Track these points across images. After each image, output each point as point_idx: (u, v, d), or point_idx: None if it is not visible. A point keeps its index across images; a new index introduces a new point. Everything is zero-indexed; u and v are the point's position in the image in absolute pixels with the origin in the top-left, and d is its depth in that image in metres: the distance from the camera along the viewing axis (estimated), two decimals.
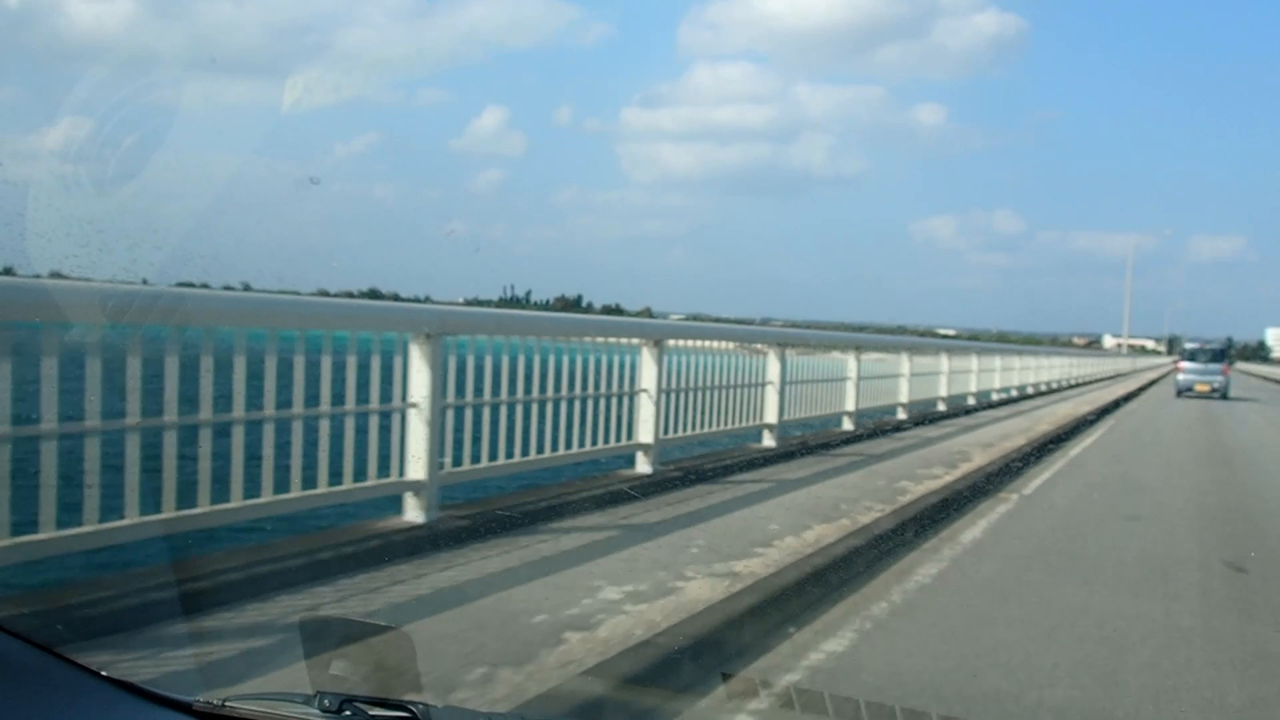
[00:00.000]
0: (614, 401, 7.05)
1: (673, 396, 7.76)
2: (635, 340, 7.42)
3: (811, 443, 10.07)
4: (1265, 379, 53.26)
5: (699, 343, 8.45)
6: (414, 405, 5.22)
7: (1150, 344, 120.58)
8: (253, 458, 4.34)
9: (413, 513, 5.22)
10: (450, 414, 5.47)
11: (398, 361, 5.18)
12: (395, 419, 5.21)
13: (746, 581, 4.59)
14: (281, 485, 4.51)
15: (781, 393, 9.63)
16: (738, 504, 6.73)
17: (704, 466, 7.91)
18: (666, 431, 7.63)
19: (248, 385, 4.30)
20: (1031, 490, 8.98)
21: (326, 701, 1.51)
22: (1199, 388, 27.21)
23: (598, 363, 6.88)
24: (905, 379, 14.29)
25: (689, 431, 8.06)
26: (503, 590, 4.29)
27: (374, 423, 5.04)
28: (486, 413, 5.78)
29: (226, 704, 1.48)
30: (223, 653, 3.36)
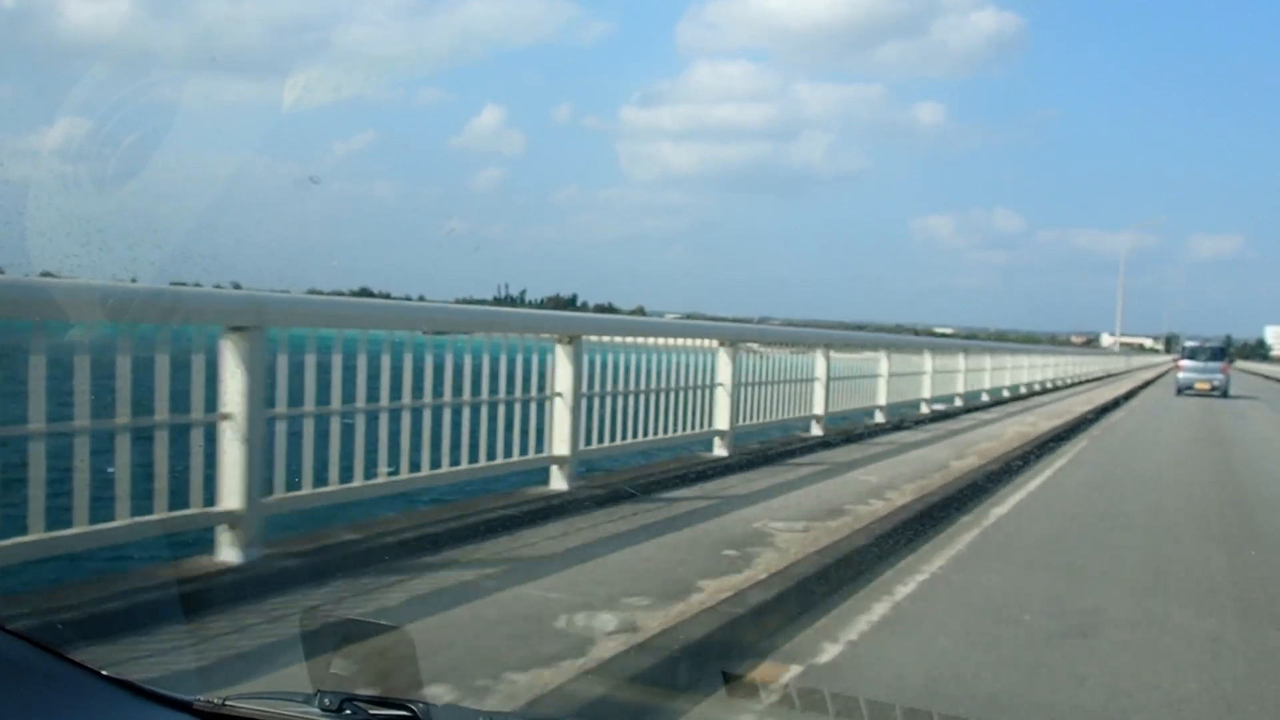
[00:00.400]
0: (697, 394, 8.21)
1: (741, 390, 8.92)
2: (714, 342, 8.58)
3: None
4: (1267, 378, 52.27)
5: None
6: (559, 394, 6.38)
7: (1148, 342, 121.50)
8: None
9: (557, 482, 6.38)
10: (583, 402, 6.63)
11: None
12: (533, 406, 6.35)
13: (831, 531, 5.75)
14: (471, 458, 5.67)
15: (828, 389, 10.81)
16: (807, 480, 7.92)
17: (769, 451, 9.08)
18: (737, 421, 8.80)
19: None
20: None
21: (327, 700, 1.51)
22: (1199, 385, 27.85)
23: (673, 362, 8.04)
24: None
25: (753, 421, 9.24)
26: (656, 537, 5.47)
27: (494, 410, 6.04)
28: (608, 401, 6.94)
29: (227, 703, 1.49)
30: (475, 576, 4.52)
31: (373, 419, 4.99)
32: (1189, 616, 5.02)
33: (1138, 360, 61.87)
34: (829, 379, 10.89)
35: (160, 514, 3.98)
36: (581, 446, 6.60)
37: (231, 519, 4.21)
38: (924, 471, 8.58)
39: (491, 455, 5.82)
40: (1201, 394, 27.56)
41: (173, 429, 4.06)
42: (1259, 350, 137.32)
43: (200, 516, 4.15)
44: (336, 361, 4.76)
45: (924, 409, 15.08)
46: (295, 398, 4.56)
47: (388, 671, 1.87)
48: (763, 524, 5.97)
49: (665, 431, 7.71)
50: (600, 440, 6.89)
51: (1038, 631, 4.56)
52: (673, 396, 7.80)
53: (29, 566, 3.70)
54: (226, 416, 4.20)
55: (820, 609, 4.70)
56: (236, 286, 5.16)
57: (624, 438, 7.15)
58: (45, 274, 3.78)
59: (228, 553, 4.22)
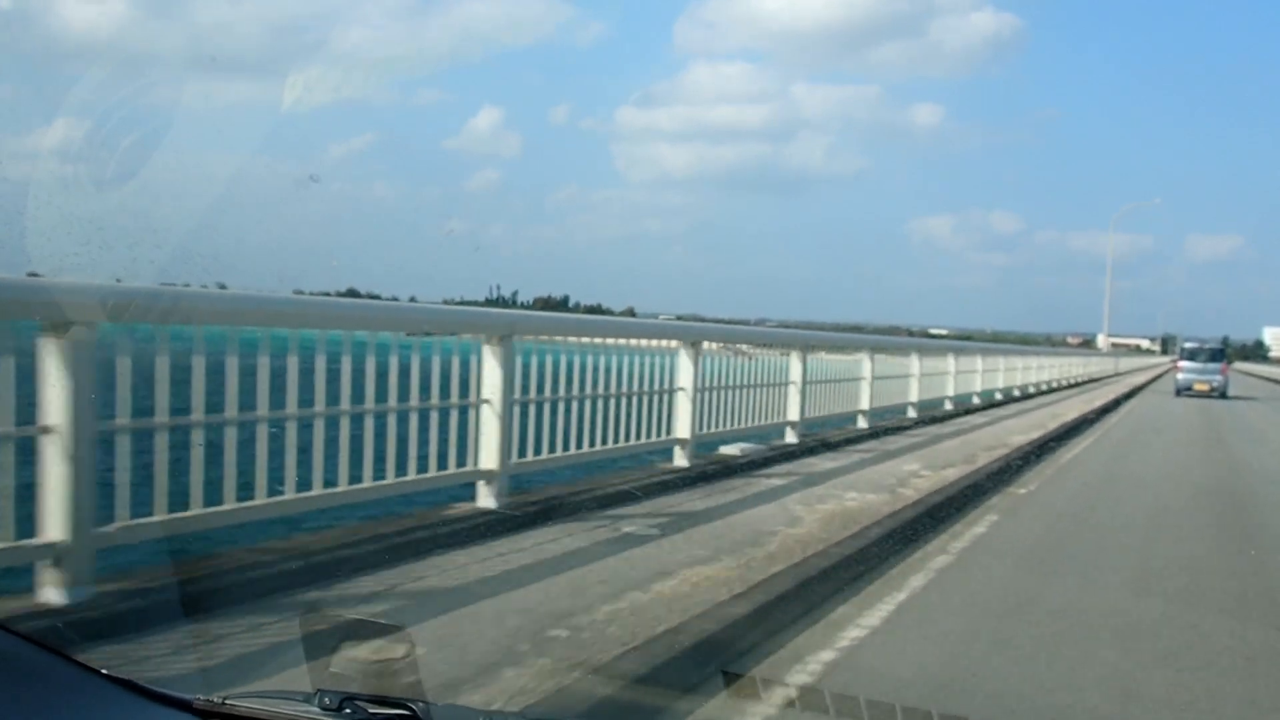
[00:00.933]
0: (774, 391, 9.85)
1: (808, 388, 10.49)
2: (791, 350, 10.17)
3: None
4: (1268, 379, 50.85)
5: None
6: (682, 389, 7.89)
7: (1144, 343, 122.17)
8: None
9: (680, 460, 7.90)
10: (699, 395, 8.15)
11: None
12: (665, 398, 7.90)
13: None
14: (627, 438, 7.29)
15: (872, 386, 12.37)
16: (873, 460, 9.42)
17: (830, 439, 10.74)
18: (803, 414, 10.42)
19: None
20: None
21: (327, 699, 1.52)
22: (1198, 386, 28.38)
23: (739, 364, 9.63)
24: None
25: (819, 414, 10.94)
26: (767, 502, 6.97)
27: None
28: (717, 395, 8.48)
29: (227, 702, 1.50)
30: (644, 526, 6.01)
31: (567, 405, 6.52)
32: None
33: (1129, 362, 57.71)
34: (873, 378, 12.51)
35: (449, 469, 5.52)
36: (699, 431, 8.11)
37: (488, 476, 5.72)
38: None
39: (637, 436, 7.37)
40: (1200, 395, 28.15)
41: (442, 411, 5.59)
42: (1258, 351, 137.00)
43: (468, 474, 5.67)
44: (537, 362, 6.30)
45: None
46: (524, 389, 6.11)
47: (388, 671, 1.89)
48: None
49: (750, 421, 9.23)
50: (710, 427, 8.41)
51: None
52: (758, 393, 9.38)
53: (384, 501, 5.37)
54: (486, 401, 5.72)
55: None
56: (222, 286, 5.10)
57: (723, 426, 8.69)
58: (31, 274, 3.75)
59: (485, 500, 5.74)
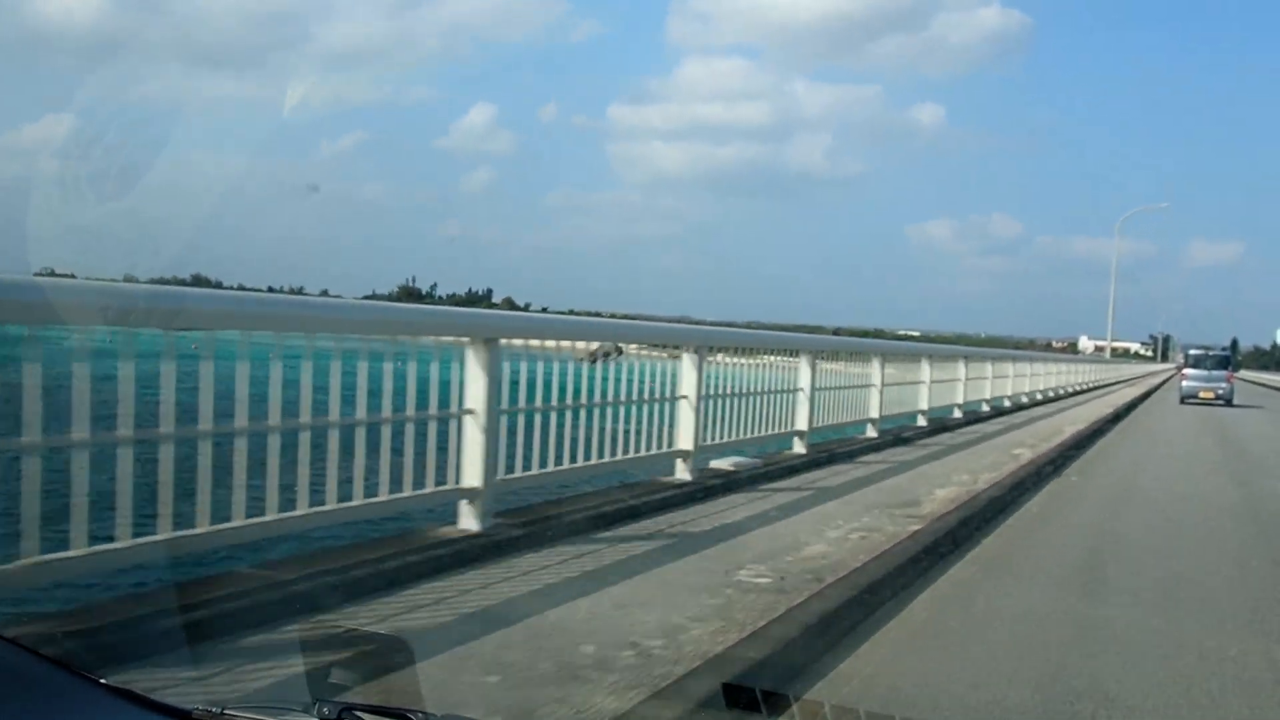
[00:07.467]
0: (854, 393, 10.69)
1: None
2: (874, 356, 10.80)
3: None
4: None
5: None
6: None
7: (1136, 347, 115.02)
8: None
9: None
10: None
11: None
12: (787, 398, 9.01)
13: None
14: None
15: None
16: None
17: (902, 435, 11.81)
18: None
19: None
20: None
21: (325, 710, 1.50)
22: (1203, 394, 27.43)
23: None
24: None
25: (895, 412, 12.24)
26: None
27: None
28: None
29: (225, 711, 1.48)
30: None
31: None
32: None
33: (1116, 370, 45.73)
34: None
35: None
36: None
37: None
38: None
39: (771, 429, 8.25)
40: (1206, 402, 27.00)
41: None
42: (1276, 355, 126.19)
43: None
44: None
45: None
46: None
47: (387, 681, 1.93)
48: None
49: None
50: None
51: None
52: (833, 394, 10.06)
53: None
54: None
55: None
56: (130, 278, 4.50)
57: (828, 420, 9.64)
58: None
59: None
